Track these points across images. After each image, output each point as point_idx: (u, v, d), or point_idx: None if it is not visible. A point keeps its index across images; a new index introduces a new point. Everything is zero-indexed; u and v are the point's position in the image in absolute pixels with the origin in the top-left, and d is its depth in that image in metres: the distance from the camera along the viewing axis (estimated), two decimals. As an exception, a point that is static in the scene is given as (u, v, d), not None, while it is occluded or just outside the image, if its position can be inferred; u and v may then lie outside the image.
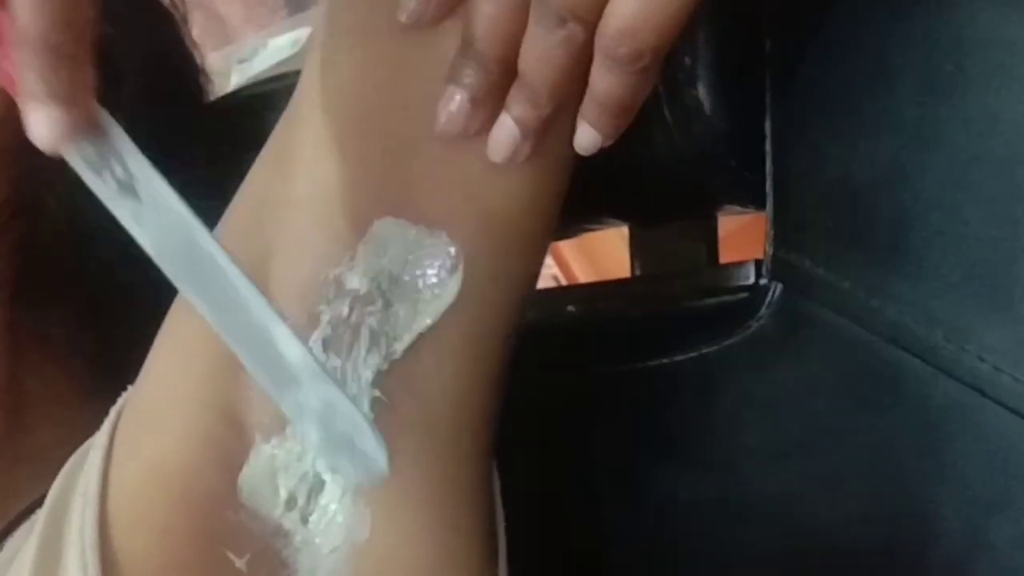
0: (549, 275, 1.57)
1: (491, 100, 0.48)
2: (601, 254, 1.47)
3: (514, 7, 0.47)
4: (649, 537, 0.61)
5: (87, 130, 0.44)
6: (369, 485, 0.47)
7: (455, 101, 0.48)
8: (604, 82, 0.48)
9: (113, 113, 0.58)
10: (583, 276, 1.56)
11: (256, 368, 0.45)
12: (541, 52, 0.47)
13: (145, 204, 0.45)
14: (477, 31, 0.48)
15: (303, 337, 0.44)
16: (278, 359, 0.44)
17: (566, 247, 1.55)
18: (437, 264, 0.49)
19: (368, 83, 0.50)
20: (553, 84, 0.48)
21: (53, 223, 0.61)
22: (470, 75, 0.48)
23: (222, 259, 0.44)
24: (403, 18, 0.48)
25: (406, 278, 0.49)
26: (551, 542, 0.59)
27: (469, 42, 0.48)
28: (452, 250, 0.49)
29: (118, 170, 0.44)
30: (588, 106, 0.49)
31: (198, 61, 0.71)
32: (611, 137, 0.50)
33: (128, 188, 0.45)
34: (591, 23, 0.46)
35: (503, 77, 0.48)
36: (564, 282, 1.54)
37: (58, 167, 0.56)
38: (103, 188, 0.44)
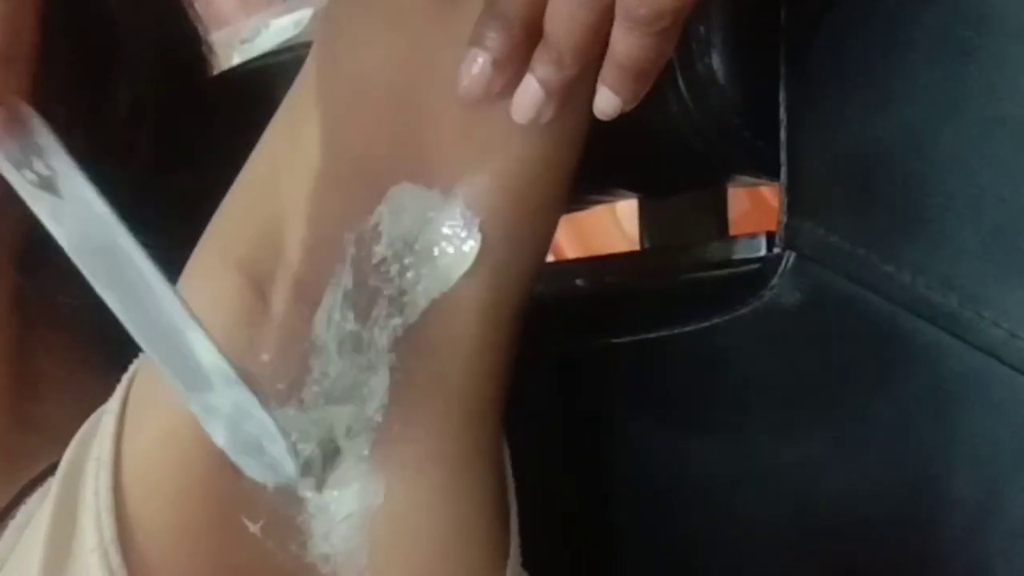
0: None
1: (513, 62, 0.48)
2: (591, 231, 1.47)
3: None
4: (660, 507, 0.61)
5: (10, 127, 0.44)
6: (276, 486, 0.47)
7: (478, 63, 0.48)
8: (624, 44, 0.48)
9: (119, 87, 0.59)
10: (572, 253, 1.56)
11: (168, 369, 0.45)
12: (566, 13, 0.47)
13: (66, 200, 0.45)
14: (507, 4, 0.47)
15: (215, 342, 0.44)
16: (190, 361, 0.44)
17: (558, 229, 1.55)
18: (454, 229, 0.49)
19: (383, 49, 0.50)
20: (577, 45, 0.48)
21: None
22: (493, 37, 0.47)
23: (139, 259, 0.44)
24: None
25: (422, 243, 0.49)
26: (560, 512, 0.60)
27: (492, 4, 0.48)
28: (469, 215, 0.49)
29: (40, 166, 0.45)
30: (608, 69, 0.49)
31: (201, 34, 0.71)
32: (631, 102, 0.50)
33: (49, 184, 0.45)
34: None
35: (526, 39, 0.48)
36: (553, 259, 1.54)
37: (70, 137, 0.57)
38: (23, 183, 0.45)
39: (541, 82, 0.48)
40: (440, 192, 0.49)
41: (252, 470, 0.46)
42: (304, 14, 1.46)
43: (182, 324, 0.44)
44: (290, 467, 0.45)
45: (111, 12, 0.61)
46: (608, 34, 0.48)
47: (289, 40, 1.41)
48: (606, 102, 0.50)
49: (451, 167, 0.49)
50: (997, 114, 0.47)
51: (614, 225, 1.39)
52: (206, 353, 0.44)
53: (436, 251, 0.49)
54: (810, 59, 0.53)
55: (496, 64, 0.48)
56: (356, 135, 0.50)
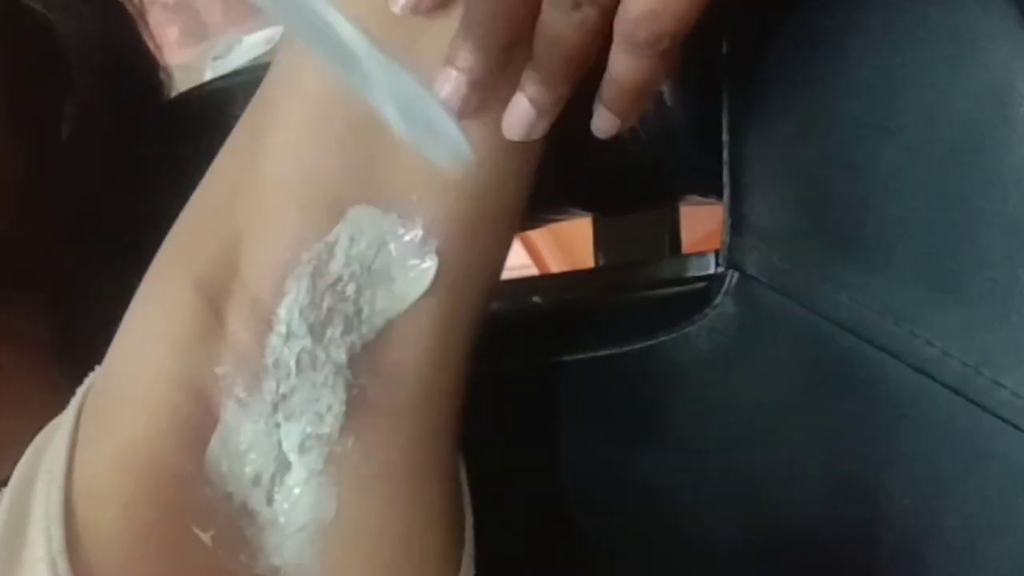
0: (523, 267, 1.58)
1: (489, 83, 0.49)
2: (572, 243, 1.47)
3: None
4: (612, 520, 0.62)
5: None
6: (455, 170, 0.45)
7: (452, 82, 0.48)
8: (623, 66, 0.48)
9: (62, 107, 0.59)
10: (554, 266, 1.56)
11: (330, 62, 0.45)
12: (556, 35, 0.47)
13: None
14: (480, 14, 0.47)
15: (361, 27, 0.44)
16: (346, 51, 0.44)
17: (537, 236, 1.55)
18: (411, 252, 0.50)
19: None
20: (567, 67, 0.48)
21: (10, 216, 0.61)
22: (469, 58, 0.48)
23: None
24: (396, 9, 0.48)
25: (379, 265, 0.50)
26: (519, 527, 0.60)
27: (468, 22, 0.48)
28: (427, 239, 0.50)
29: None
30: (607, 90, 0.49)
31: (156, 57, 0.72)
32: (629, 120, 0.50)
33: None
34: (606, 6, 0.46)
35: (502, 61, 0.48)
36: (536, 271, 1.54)
37: (19, 166, 0.57)
38: None
39: (532, 101, 0.49)
40: (398, 216, 0.50)
41: (432, 151, 0.45)
42: (276, 31, 1.46)
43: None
44: (465, 147, 0.44)
45: (55, 36, 0.62)
46: (598, 52, 0.48)
47: (261, 57, 1.42)
48: (604, 122, 0.50)
49: (410, 190, 0.50)
50: (929, 138, 0.48)
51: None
52: (358, 42, 0.44)
53: (393, 273, 0.50)
54: (751, 82, 0.54)
55: (472, 84, 0.48)
56: (316, 156, 0.50)
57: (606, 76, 0.49)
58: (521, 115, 0.49)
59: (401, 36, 0.49)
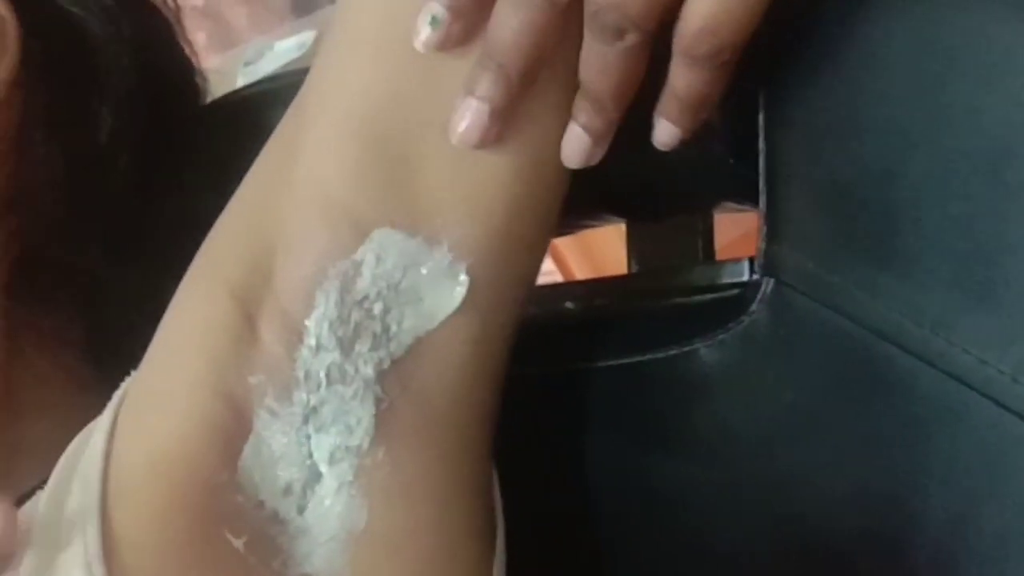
0: (548, 274, 1.57)
1: (510, 111, 0.49)
2: (599, 251, 1.47)
3: (538, 20, 0.48)
4: (644, 527, 0.61)
5: None
6: None
7: (473, 112, 0.49)
8: (684, 80, 0.49)
9: (100, 112, 0.59)
10: (580, 273, 1.56)
11: None
12: (603, 65, 0.48)
13: None
14: (501, 44, 0.48)
15: None
16: None
17: (564, 244, 1.55)
18: (440, 273, 0.50)
19: (375, 90, 0.51)
20: (616, 92, 0.49)
21: (47, 218, 0.62)
22: (490, 88, 0.48)
23: None
24: (418, 45, 0.49)
25: (407, 285, 0.50)
26: (545, 532, 0.60)
27: (491, 54, 0.48)
28: (455, 260, 0.50)
29: None
30: (667, 103, 0.50)
31: (192, 61, 0.72)
32: (689, 132, 0.51)
33: None
34: (648, 31, 0.47)
35: (523, 88, 0.49)
36: (561, 279, 1.54)
37: (57, 169, 0.58)
38: None
39: (585, 128, 0.50)
40: (424, 240, 0.50)
41: None
42: (308, 36, 1.46)
43: None
44: None
45: (92, 40, 0.62)
46: (643, 74, 0.49)
47: (292, 63, 1.42)
48: (666, 134, 0.51)
49: (436, 213, 0.50)
50: (965, 146, 0.48)
51: (622, 245, 1.39)
52: None
53: (422, 293, 0.50)
54: (787, 89, 0.54)
55: (493, 114, 0.49)
56: (341, 174, 0.50)
57: (666, 90, 0.50)
58: (577, 144, 0.50)
59: (422, 71, 0.50)
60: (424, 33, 0.49)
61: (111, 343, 0.61)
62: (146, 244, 0.63)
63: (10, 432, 0.61)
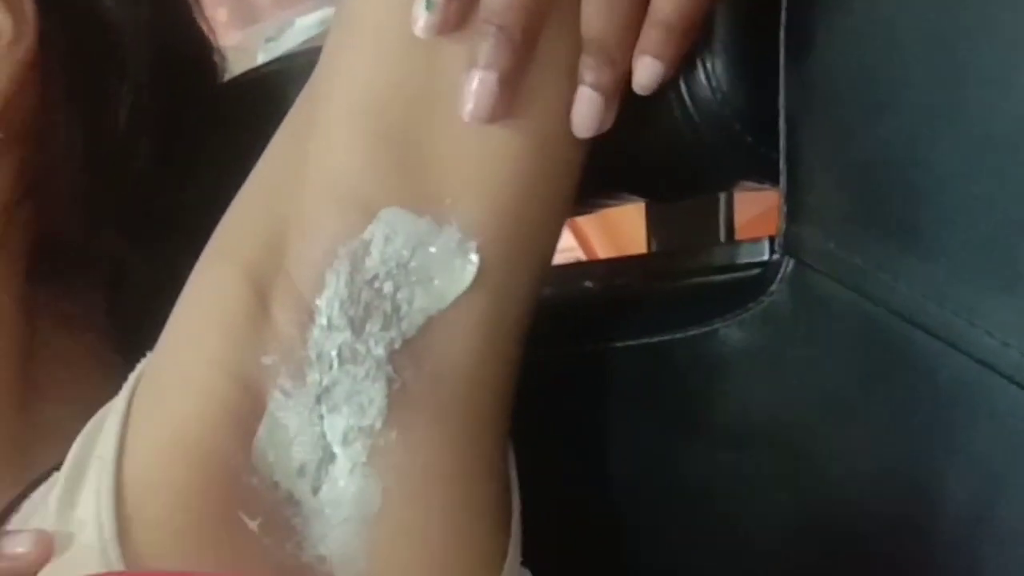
0: (569, 250, 1.57)
1: (517, 75, 0.49)
2: (621, 230, 1.46)
3: None
4: (661, 509, 0.61)
5: None
6: None
7: (481, 82, 0.48)
8: (670, 2, 0.48)
9: (119, 95, 0.59)
10: (603, 252, 1.56)
11: None
12: (605, 12, 0.48)
13: None
14: (498, 4, 0.48)
15: None
16: None
17: (586, 223, 1.55)
18: (451, 252, 0.50)
19: (381, 72, 0.51)
20: (620, 36, 0.49)
21: (67, 201, 0.62)
22: (494, 52, 0.48)
23: None
24: (417, 31, 0.49)
25: (417, 264, 0.50)
26: (564, 513, 0.60)
27: (490, 18, 0.48)
28: (465, 239, 0.50)
29: None
30: (649, 35, 0.50)
31: (210, 39, 0.72)
32: (673, 65, 0.51)
33: None
34: None
35: (527, 49, 0.48)
36: (584, 257, 1.53)
37: (77, 151, 0.57)
38: None
39: (595, 87, 0.49)
40: (432, 220, 0.50)
41: None
42: (329, 12, 1.46)
43: None
44: None
45: (110, 21, 0.62)
46: (643, 17, 0.49)
47: (314, 39, 1.42)
48: (647, 72, 0.51)
49: (445, 193, 0.50)
50: (991, 127, 0.47)
51: (643, 225, 1.39)
52: None
53: (432, 272, 0.50)
54: (809, 68, 0.53)
55: (501, 81, 0.48)
56: (351, 158, 0.51)
57: (648, 21, 0.49)
58: (587, 107, 0.50)
59: (422, 56, 0.49)
60: (422, 19, 0.49)
61: (132, 326, 0.61)
62: (167, 226, 0.63)
63: (31, 414, 0.61)
